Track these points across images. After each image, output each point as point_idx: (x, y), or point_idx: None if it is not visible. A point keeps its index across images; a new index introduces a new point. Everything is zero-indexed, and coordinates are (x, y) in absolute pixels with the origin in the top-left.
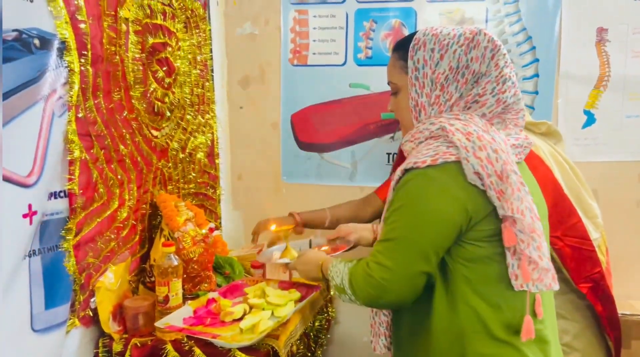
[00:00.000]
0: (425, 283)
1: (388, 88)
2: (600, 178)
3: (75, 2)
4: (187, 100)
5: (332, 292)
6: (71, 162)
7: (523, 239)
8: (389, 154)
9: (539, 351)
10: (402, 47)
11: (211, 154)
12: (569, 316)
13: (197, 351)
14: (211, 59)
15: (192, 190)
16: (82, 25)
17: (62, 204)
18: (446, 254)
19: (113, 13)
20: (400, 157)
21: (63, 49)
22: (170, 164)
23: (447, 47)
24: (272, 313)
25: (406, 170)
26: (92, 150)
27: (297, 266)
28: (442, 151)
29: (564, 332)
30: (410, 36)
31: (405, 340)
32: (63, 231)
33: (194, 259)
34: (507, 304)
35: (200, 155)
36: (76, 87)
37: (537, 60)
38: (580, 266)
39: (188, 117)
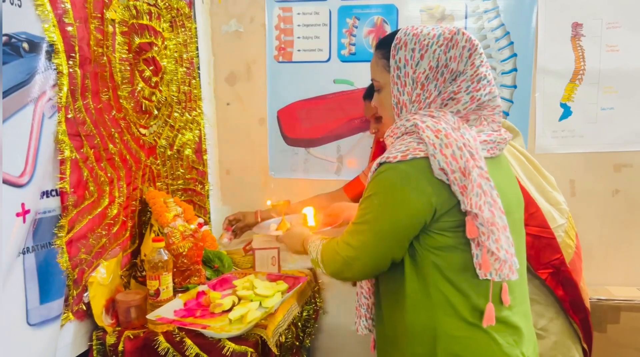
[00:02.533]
0: (390, 265)
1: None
2: (577, 169)
3: (62, 6)
4: (174, 98)
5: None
6: (62, 162)
7: (484, 232)
8: (371, 148)
9: (508, 336)
10: (384, 45)
11: (199, 151)
12: (542, 301)
13: (189, 341)
14: (197, 56)
15: (181, 186)
16: (70, 28)
17: (54, 203)
18: (416, 241)
19: (99, 15)
20: (377, 149)
21: (51, 51)
22: (158, 161)
23: (427, 47)
24: (260, 304)
25: (380, 164)
26: (82, 150)
27: (285, 239)
28: (412, 147)
29: (539, 317)
30: (392, 35)
31: (387, 324)
32: (56, 229)
33: (184, 253)
34: (474, 291)
35: (188, 151)
36: (65, 88)
37: (515, 55)
38: (539, 253)
39: (175, 114)
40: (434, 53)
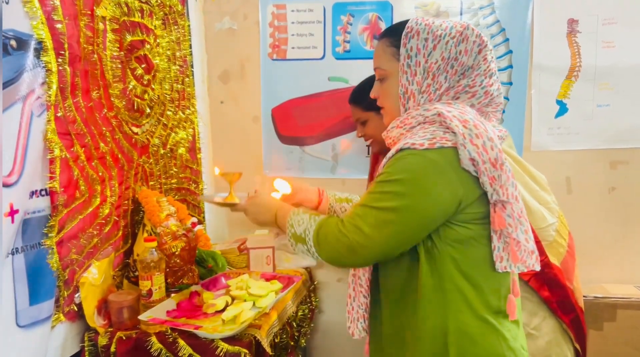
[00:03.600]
0: (399, 256)
1: None
2: (573, 166)
3: (51, 3)
4: (167, 96)
5: (288, 241)
6: (51, 161)
7: (511, 223)
8: (369, 146)
9: (514, 330)
10: (393, 34)
11: (193, 149)
12: (534, 299)
13: (181, 342)
14: (191, 54)
15: (175, 185)
16: (59, 25)
17: (43, 202)
18: (435, 234)
19: (89, 12)
20: (374, 145)
21: (40, 49)
22: (151, 160)
23: (440, 37)
24: (254, 304)
25: (402, 150)
26: (72, 149)
27: (249, 207)
28: (439, 136)
29: (532, 315)
30: (402, 24)
31: (387, 322)
32: (45, 229)
33: (176, 253)
34: (488, 285)
35: (181, 150)
36: (54, 86)
37: (510, 51)
38: None
39: (168, 113)
40: (447, 44)
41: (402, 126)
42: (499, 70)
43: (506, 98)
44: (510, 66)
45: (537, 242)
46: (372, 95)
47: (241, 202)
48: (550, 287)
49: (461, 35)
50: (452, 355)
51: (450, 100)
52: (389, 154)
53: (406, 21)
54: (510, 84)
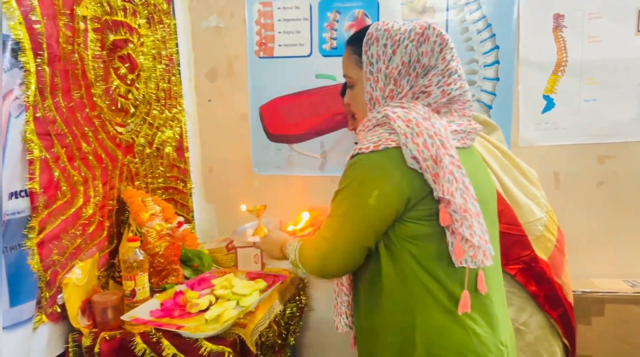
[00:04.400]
0: (366, 255)
1: None
2: (561, 161)
3: (29, 3)
4: (153, 95)
5: (292, 268)
6: (31, 162)
7: (457, 219)
8: (357, 143)
9: (486, 325)
10: (356, 41)
11: (180, 148)
12: (522, 295)
13: (165, 342)
14: (177, 53)
15: (161, 184)
16: (37, 26)
17: (23, 203)
18: (391, 231)
19: (69, 12)
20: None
21: (18, 49)
22: (136, 160)
23: (399, 42)
24: (237, 303)
25: (353, 156)
26: (52, 149)
27: (263, 246)
28: (384, 138)
29: (521, 311)
30: (363, 30)
31: (363, 317)
32: (25, 230)
33: (160, 253)
34: (450, 279)
35: (168, 149)
36: (33, 87)
37: (497, 47)
38: (508, 250)
39: (154, 112)
40: (406, 48)
41: (364, 129)
42: (485, 66)
43: (493, 94)
44: (497, 62)
45: (524, 236)
46: (345, 101)
47: (269, 232)
48: (537, 281)
49: (422, 37)
50: (419, 349)
51: (410, 100)
52: (347, 159)
53: (368, 27)
54: (497, 79)
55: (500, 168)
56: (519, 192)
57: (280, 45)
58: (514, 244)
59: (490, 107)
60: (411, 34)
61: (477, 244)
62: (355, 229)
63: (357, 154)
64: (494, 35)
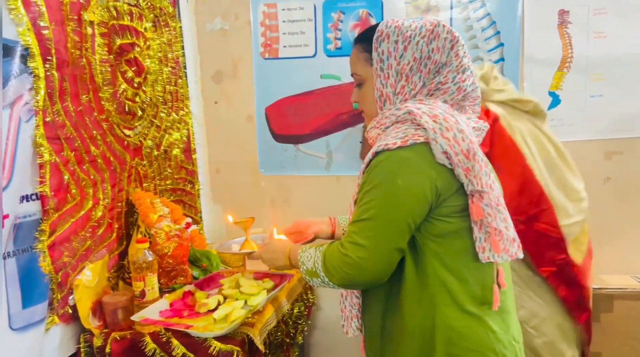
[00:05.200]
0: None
1: None
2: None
3: (37, 9)
4: (160, 98)
5: (305, 278)
6: (41, 166)
7: (490, 213)
8: (362, 143)
9: (501, 321)
10: (365, 39)
11: (187, 150)
12: (539, 300)
13: (175, 341)
14: (183, 55)
15: (170, 186)
16: (45, 31)
17: (34, 207)
18: (416, 231)
19: (77, 17)
20: (365, 145)
21: (27, 55)
22: (145, 162)
23: (410, 38)
24: (246, 302)
25: (377, 153)
26: (62, 153)
27: (263, 254)
28: (410, 133)
29: (532, 316)
30: (372, 28)
31: (378, 319)
32: (37, 233)
33: (168, 254)
34: (472, 276)
35: (176, 151)
36: (42, 92)
37: (502, 44)
38: (543, 251)
39: (162, 114)
40: (417, 44)
41: (379, 126)
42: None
43: None
44: (502, 59)
45: (561, 240)
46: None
47: (257, 247)
48: (568, 286)
49: (432, 34)
50: (439, 350)
51: (424, 97)
52: (367, 158)
53: (377, 24)
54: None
55: (546, 166)
56: (561, 194)
57: (285, 46)
58: (550, 246)
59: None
60: (422, 31)
61: (512, 236)
62: (390, 230)
63: (383, 150)
64: (498, 32)
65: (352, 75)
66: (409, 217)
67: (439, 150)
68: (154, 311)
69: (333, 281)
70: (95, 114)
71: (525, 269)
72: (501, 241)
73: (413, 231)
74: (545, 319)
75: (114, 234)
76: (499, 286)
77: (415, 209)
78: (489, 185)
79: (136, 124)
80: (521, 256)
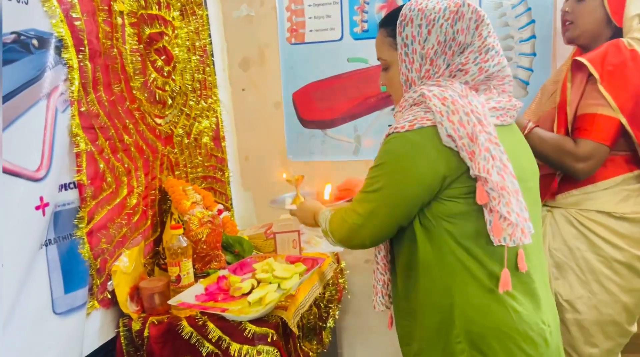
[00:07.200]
0: (403, 234)
1: None
2: None
3: (69, 1)
4: (189, 86)
5: (323, 236)
6: (78, 155)
7: (494, 197)
8: (390, 126)
9: (527, 303)
10: (389, 23)
11: (217, 138)
12: (583, 276)
13: (211, 325)
14: (210, 43)
15: (200, 174)
16: (77, 22)
17: (72, 195)
18: (427, 209)
19: (107, 7)
20: None
21: (61, 46)
22: (176, 150)
23: (434, 21)
24: (279, 286)
25: (389, 134)
26: (97, 142)
27: (297, 213)
28: (419, 116)
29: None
30: (396, 11)
31: (402, 297)
32: (75, 220)
33: (202, 239)
34: (489, 257)
35: (205, 139)
36: (76, 82)
37: (533, 21)
38: None
39: (191, 103)
40: (441, 27)
41: (400, 109)
42: (521, 41)
43: (530, 69)
44: (534, 36)
45: None
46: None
47: (304, 200)
48: None
49: (457, 14)
50: (458, 327)
51: (447, 78)
52: (383, 139)
53: (401, 7)
54: (534, 54)
55: None
56: None
57: (311, 31)
58: None
59: (527, 83)
60: (446, 13)
61: (515, 221)
62: (388, 205)
63: (393, 133)
64: (529, 9)
65: (378, 59)
66: (408, 198)
67: (444, 134)
68: (190, 295)
69: (334, 238)
70: (127, 103)
71: None
72: (510, 225)
73: (414, 210)
74: (581, 296)
75: (149, 221)
76: (518, 269)
77: (415, 191)
78: (486, 170)
79: (167, 112)
80: (527, 241)
